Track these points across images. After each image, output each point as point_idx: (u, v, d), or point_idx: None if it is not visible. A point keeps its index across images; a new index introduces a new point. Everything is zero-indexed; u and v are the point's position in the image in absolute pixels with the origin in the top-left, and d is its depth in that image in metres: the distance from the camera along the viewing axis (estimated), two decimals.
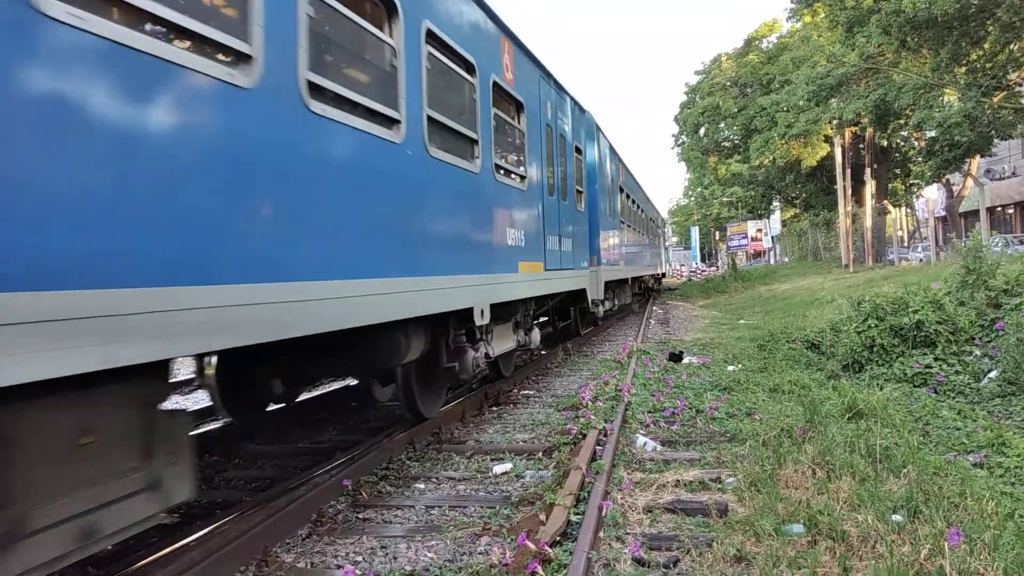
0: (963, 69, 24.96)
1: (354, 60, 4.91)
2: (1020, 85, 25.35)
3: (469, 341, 7.09)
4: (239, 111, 3.44)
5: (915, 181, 39.72)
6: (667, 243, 52.07)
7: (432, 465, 5.99)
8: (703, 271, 69.91)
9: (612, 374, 9.87)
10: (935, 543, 3.50)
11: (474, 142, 6.83)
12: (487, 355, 7.47)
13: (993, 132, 24.93)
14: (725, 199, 67.20)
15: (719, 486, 4.89)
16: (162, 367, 3.33)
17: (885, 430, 5.58)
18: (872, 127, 32.52)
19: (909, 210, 53.84)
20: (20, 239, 2.36)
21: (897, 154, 39.89)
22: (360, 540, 4.36)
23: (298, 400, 7.89)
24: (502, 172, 7.78)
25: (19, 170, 2.38)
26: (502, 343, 8.28)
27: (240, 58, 3.45)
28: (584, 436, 6.10)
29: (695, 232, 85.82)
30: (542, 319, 13.70)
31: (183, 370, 7.09)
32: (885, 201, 39.03)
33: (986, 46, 24.47)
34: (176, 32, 3.10)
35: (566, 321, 15.51)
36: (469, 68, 6.80)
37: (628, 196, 20.39)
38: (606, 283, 14.66)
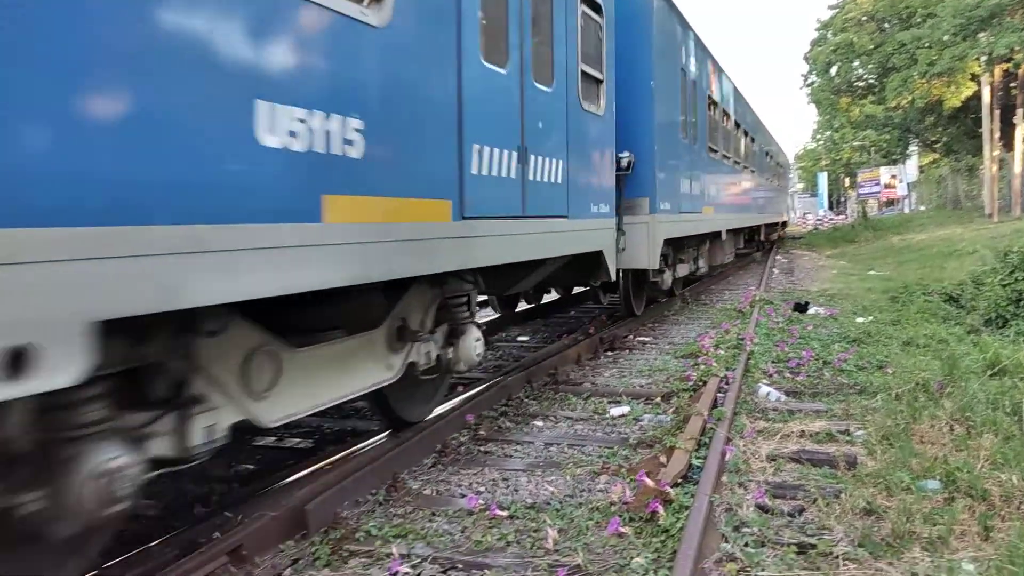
0: None
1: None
2: None
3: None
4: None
5: None
6: (791, 189, 48.45)
7: (549, 404, 6.08)
8: (830, 219, 66.65)
9: (733, 323, 9.65)
10: None
11: None
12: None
13: None
14: (856, 143, 63.41)
15: (847, 438, 4.73)
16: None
17: None
18: None
19: None
20: None
21: None
22: (482, 472, 4.51)
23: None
24: None
25: None
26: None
27: None
28: (704, 383, 6.02)
29: (822, 178, 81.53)
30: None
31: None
32: None
33: None
34: None
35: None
36: None
37: (729, 117, 15.11)
38: (675, 240, 10.18)
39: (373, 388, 4.31)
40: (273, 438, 5.40)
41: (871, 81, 47.97)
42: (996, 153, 35.04)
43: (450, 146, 4.29)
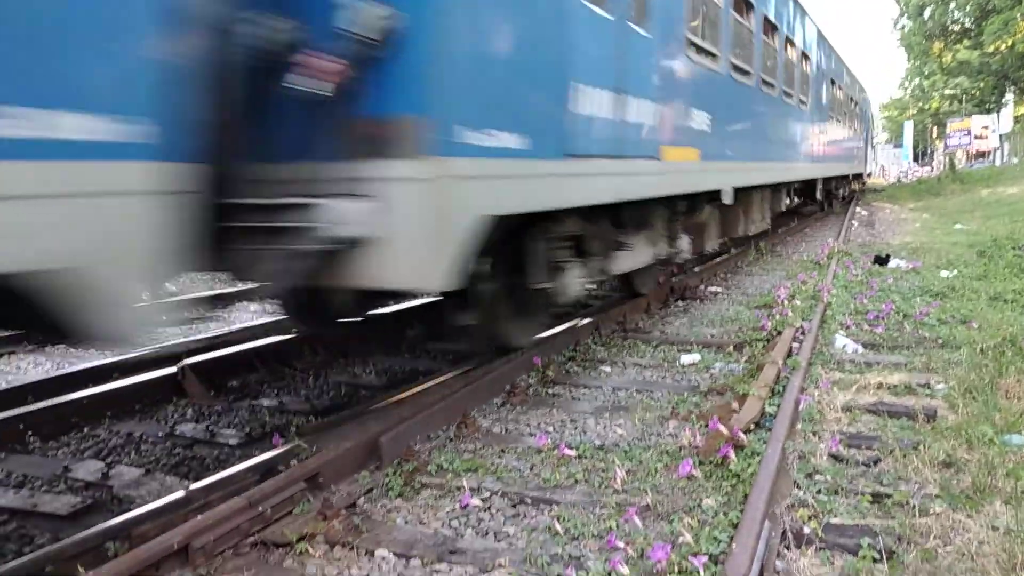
0: None
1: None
2: None
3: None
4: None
5: None
6: (874, 139, 45.24)
7: (618, 351, 6.07)
8: (915, 172, 63.74)
9: (810, 275, 9.40)
10: None
11: None
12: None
13: None
14: (948, 91, 60.12)
15: (927, 392, 4.59)
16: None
17: None
18: None
19: None
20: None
21: None
22: (550, 413, 4.55)
23: None
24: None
25: None
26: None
27: None
28: (779, 333, 5.91)
29: (908, 127, 77.65)
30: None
31: None
32: None
33: None
34: None
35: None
36: None
37: (751, 7, 9.38)
38: (551, 218, 5.06)
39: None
40: (347, 376, 5.55)
41: (967, 24, 45.17)
42: None
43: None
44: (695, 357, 5.70)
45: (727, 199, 8.38)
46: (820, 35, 15.49)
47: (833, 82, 17.34)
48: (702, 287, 9.19)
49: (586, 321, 6.58)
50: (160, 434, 4.35)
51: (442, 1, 3.63)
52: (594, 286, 7.44)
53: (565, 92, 4.72)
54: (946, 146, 61.79)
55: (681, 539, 2.74)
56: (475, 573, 2.72)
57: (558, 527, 2.99)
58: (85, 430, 4.40)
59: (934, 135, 75.82)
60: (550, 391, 5.00)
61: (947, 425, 3.94)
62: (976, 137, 58.95)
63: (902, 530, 2.86)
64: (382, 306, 7.00)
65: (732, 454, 3.42)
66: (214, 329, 6.81)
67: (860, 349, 5.68)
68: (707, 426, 3.84)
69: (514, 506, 3.28)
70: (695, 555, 2.52)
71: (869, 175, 36.60)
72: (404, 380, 5.32)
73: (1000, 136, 60.13)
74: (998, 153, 61.62)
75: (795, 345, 5.52)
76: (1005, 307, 6.97)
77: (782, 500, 3.10)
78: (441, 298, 5.49)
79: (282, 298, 5.79)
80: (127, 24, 2.56)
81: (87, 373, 5.10)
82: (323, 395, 5.21)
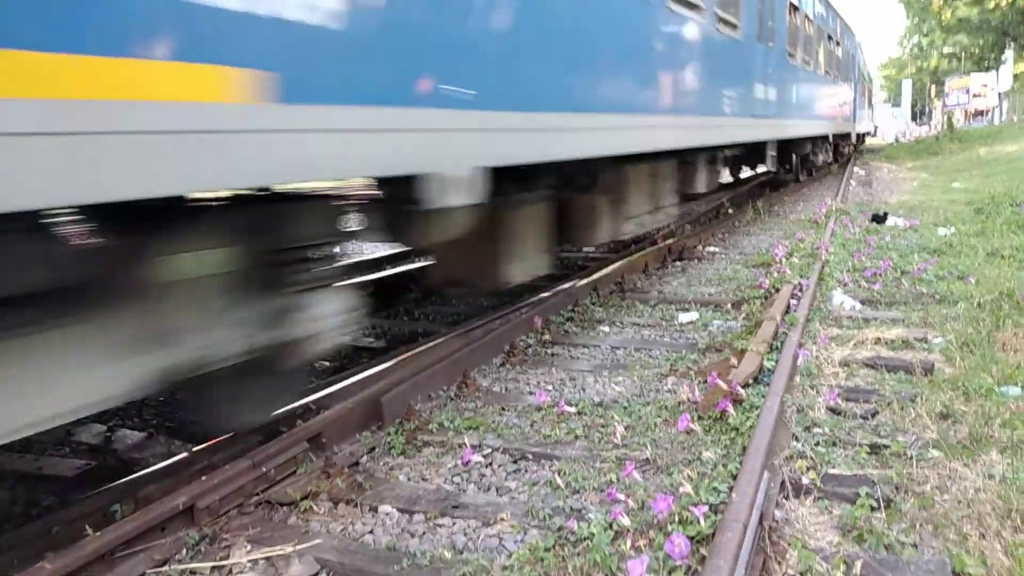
0: None
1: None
2: None
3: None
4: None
5: None
6: (871, 95, 43.93)
7: (616, 311, 6.08)
8: (913, 131, 63.32)
9: (807, 233, 9.39)
10: None
11: None
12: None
13: None
14: (947, 49, 59.52)
15: (925, 346, 4.61)
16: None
17: None
18: None
19: None
20: None
21: None
22: (549, 372, 4.57)
23: None
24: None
25: None
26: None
27: None
28: (777, 290, 5.92)
29: (907, 87, 76.94)
30: None
31: None
32: None
33: None
34: None
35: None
36: None
37: None
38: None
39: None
40: (348, 338, 5.55)
41: None
42: None
43: None
44: (693, 316, 5.71)
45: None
46: None
47: (807, 18, 13.50)
48: (700, 247, 9.18)
49: (584, 282, 6.58)
50: (161, 398, 4.36)
51: None
52: None
53: None
54: (944, 105, 61.38)
55: (681, 490, 2.77)
56: (478, 527, 2.75)
57: (559, 481, 3.02)
58: None
59: (932, 94, 75.25)
60: (549, 351, 5.02)
61: (944, 378, 3.97)
62: (975, 96, 58.54)
63: (900, 479, 2.89)
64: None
65: (731, 408, 3.45)
66: None
67: (858, 305, 5.70)
68: (706, 382, 3.87)
69: (515, 462, 3.31)
70: (695, 505, 2.54)
71: (862, 137, 32.06)
72: (403, 342, 5.34)
73: (999, 94, 59.66)
74: (996, 111, 61.22)
75: (793, 302, 5.53)
76: (1002, 263, 6.98)
77: (781, 452, 3.13)
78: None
79: None
80: None
81: None
82: (323, 358, 5.22)
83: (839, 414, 3.60)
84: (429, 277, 5.14)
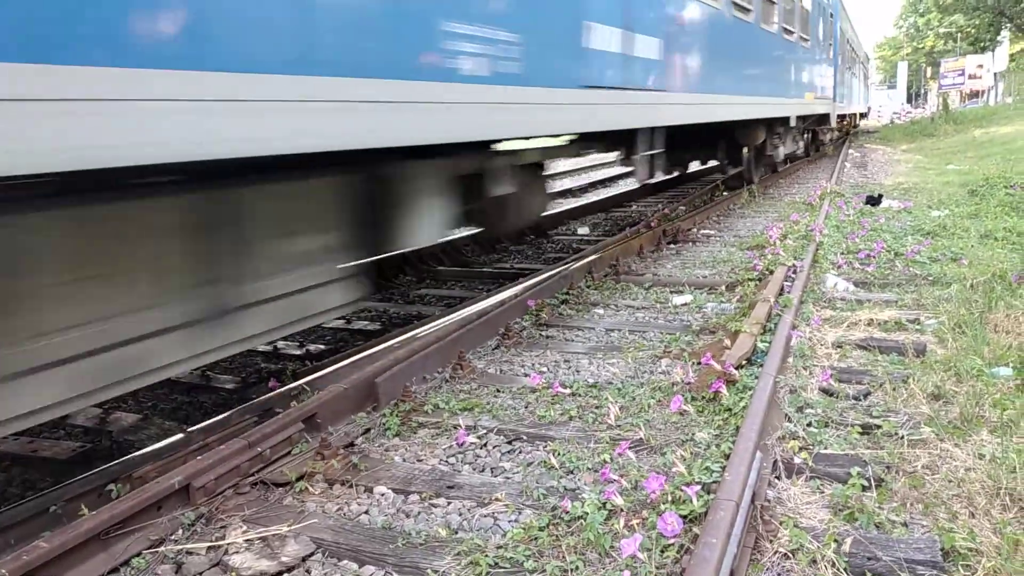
0: None
1: None
2: None
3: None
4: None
5: None
6: (868, 78, 43.92)
7: (610, 294, 6.09)
8: (907, 112, 63.27)
9: (802, 215, 9.40)
10: None
11: None
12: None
13: None
14: (943, 30, 59.39)
15: (917, 327, 4.64)
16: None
17: None
18: None
19: None
20: None
21: None
22: (544, 354, 4.58)
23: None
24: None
25: None
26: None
27: None
28: (771, 272, 5.93)
29: (902, 68, 76.74)
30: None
31: None
32: None
33: None
34: None
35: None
36: None
37: None
38: None
39: None
40: (343, 320, 5.57)
41: None
42: None
43: None
44: (687, 298, 5.73)
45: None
46: None
47: None
48: (694, 230, 9.18)
49: (579, 264, 6.58)
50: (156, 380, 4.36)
51: None
52: None
53: None
54: (940, 86, 61.29)
55: (674, 470, 2.79)
56: (473, 507, 2.77)
57: (553, 461, 3.04)
58: None
59: (928, 75, 75.06)
60: (544, 333, 5.03)
61: (936, 359, 3.99)
62: (970, 77, 58.47)
63: (891, 459, 2.92)
64: None
65: (724, 389, 3.47)
66: None
67: (851, 287, 5.72)
68: (699, 363, 3.88)
69: (510, 442, 3.33)
70: (688, 485, 2.57)
71: (850, 118, 27.39)
72: (399, 324, 5.34)
73: (995, 75, 59.55)
74: (992, 92, 61.15)
75: (787, 284, 5.55)
76: (995, 244, 7.00)
77: (773, 432, 3.15)
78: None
79: None
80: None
81: None
82: (318, 340, 5.23)
83: (832, 395, 3.62)
84: None
